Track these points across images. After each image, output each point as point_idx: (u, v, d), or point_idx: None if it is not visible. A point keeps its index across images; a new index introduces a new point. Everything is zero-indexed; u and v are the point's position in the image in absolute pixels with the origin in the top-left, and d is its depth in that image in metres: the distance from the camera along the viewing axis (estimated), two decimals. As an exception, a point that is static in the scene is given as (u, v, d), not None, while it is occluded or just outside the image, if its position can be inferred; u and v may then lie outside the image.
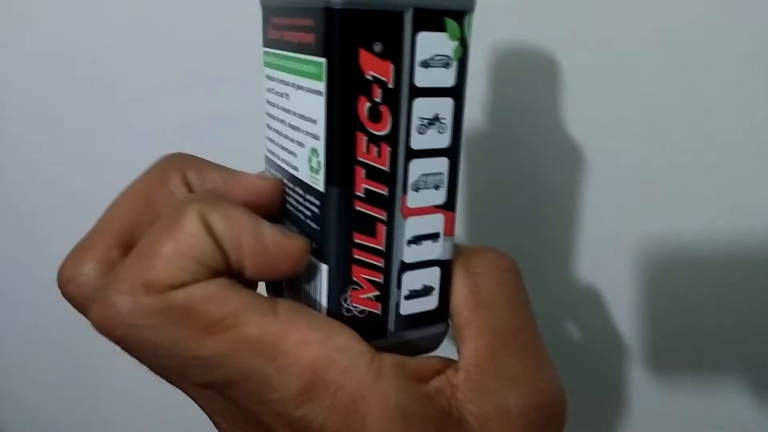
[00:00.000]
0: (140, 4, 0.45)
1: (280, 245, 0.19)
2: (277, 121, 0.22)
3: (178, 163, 0.21)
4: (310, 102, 0.19)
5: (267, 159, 0.23)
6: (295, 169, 0.20)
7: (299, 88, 0.19)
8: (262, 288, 0.23)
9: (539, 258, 0.46)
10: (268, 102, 0.22)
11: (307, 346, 0.18)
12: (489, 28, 0.38)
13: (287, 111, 0.21)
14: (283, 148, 0.21)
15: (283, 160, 0.21)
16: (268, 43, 0.22)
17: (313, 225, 0.20)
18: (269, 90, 0.22)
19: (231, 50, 0.43)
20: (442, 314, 0.22)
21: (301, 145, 0.20)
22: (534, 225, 0.46)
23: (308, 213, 0.20)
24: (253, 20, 0.23)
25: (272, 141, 0.22)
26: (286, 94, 0.20)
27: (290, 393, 0.17)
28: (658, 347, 0.47)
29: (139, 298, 0.17)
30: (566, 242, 0.46)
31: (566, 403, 0.20)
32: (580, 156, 0.44)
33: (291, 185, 0.21)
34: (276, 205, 0.22)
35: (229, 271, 0.19)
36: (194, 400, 0.19)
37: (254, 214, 0.19)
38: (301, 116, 0.19)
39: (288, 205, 0.21)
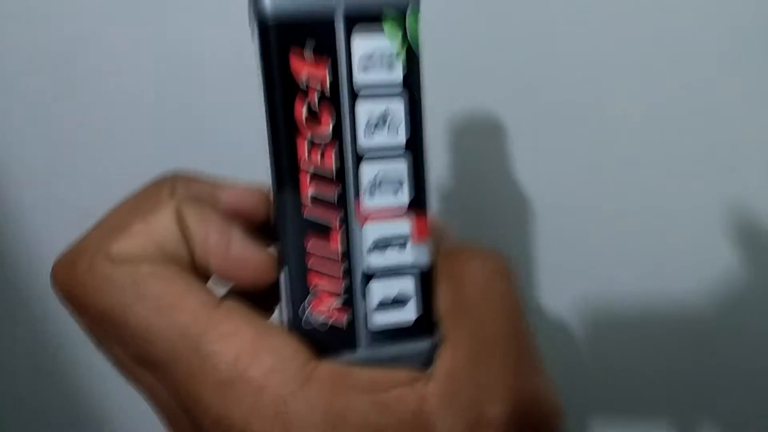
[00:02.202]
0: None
1: (243, 253, 0.19)
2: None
3: (171, 179, 0.22)
4: (261, 109, 0.19)
5: None
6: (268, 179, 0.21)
7: (258, 89, 0.20)
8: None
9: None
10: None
11: (234, 339, 0.17)
12: (452, 94, 0.45)
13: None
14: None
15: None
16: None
17: (276, 235, 0.20)
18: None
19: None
20: (425, 328, 0.20)
21: (266, 155, 0.20)
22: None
23: (274, 223, 0.20)
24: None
25: None
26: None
27: (211, 385, 0.17)
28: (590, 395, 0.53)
29: (95, 262, 0.18)
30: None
31: (556, 414, 0.18)
32: (531, 208, 0.50)
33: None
34: (261, 215, 0.22)
35: (195, 266, 0.19)
36: (146, 398, 0.20)
37: (231, 222, 0.20)
38: (264, 127, 0.20)
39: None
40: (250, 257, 0.19)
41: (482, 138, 0.48)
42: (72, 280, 0.19)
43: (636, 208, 0.50)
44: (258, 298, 0.24)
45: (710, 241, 0.49)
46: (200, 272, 0.20)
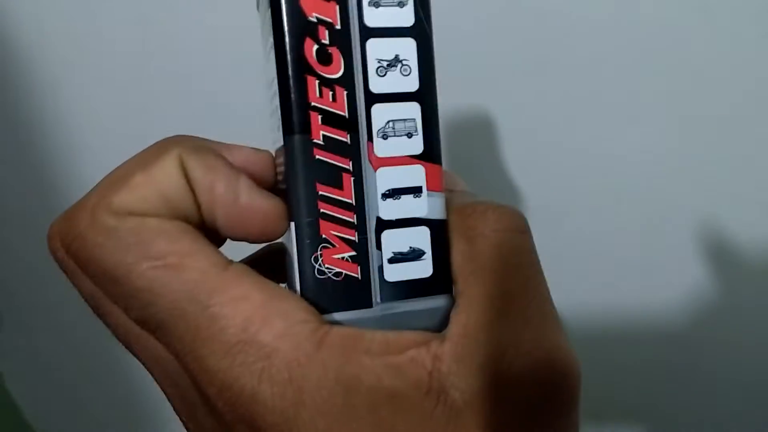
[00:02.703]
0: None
1: (251, 202, 0.18)
2: (268, 94, 0.21)
3: (175, 137, 0.21)
4: (270, 57, 0.19)
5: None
6: (274, 132, 0.20)
7: (266, 46, 0.19)
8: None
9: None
10: (266, 78, 0.22)
11: (244, 303, 0.17)
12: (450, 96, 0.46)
13: (267, 76, 0.20)
14: (271, 119, 0.21)
15: (272, 131, 0.21)
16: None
17: (284, 186, 0.19)
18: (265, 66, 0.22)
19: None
20: (441, 285, 0.19)
21: (272, 105, 0.20)
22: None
23: (282, 176, 0.19)
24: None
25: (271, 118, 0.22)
26: (266, 58, 0.20)
27: (218, 349, 0.16)
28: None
29: (97, 215, 0.17)
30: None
31: (575, 374, 0.17)
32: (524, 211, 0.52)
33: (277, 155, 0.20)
34: (269, 177, 0.21)
35: (203, 223, 0.19)
36: (148, 366, 0.18)
37: (238, 171, 0.19)
38: (271, 76, 0.19)
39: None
40: (259, 206, 0.18)
41: (475, 139, 0.48)
42: (71, 235, 0.18)
43: (630, 215, 0.50)
44: (263, 268, 0.23)
45: (695, 254, 0.51)
46: (207, 228, 0.19)
